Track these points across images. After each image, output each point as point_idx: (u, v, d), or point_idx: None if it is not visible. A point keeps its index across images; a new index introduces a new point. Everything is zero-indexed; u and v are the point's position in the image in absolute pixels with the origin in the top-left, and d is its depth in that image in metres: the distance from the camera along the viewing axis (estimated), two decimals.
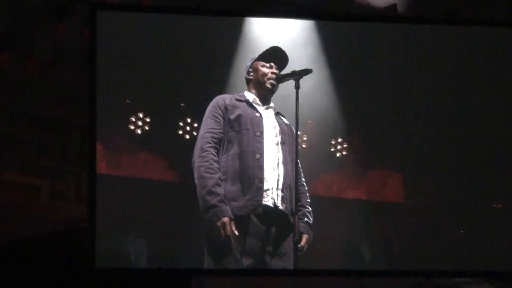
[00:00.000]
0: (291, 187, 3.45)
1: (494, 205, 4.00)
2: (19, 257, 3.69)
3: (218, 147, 3.44)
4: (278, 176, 3.44)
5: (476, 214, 3.93)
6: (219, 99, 3.54)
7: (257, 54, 3.62)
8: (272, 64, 3.60)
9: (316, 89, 3.79)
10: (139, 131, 3.85)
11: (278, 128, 3.54)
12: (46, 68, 4.10)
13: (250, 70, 3.63)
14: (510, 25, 3.89)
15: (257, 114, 3.52)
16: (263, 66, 3.60)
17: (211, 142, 3.43)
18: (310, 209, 3.54)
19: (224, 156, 3.43)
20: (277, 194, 3.41)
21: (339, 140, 4.04)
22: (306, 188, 3.59)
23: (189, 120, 3.92)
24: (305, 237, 3.43)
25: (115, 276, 3.67)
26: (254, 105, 3.56)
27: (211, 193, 3.32)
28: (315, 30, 3.87)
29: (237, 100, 3.56)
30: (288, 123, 3.62)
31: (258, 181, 3.39)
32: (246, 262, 3.33)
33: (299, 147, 3.54)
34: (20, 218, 3.92)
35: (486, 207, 3.98)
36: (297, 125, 3.45)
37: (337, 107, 3.94)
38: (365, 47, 3.91)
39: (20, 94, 4.03)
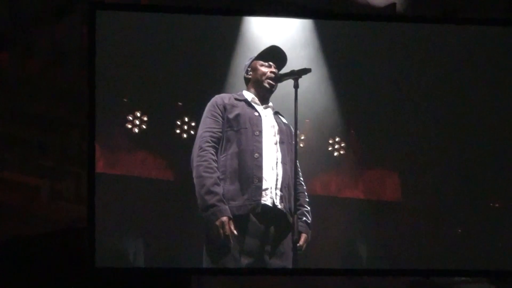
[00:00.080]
0: (289, 187, 3.45)
1: (492, 204, 4.00)
2: (18, 257, 3.69)
3: (217, 146, 3.44)
4: (277, 175, 3.44)
5: (474, 213, 3.93)
6: (218, 98, 3.54)
7: (256, 54, 3.62)
8: (271, 63, 3.60)
9: (313, 89, 3.80)
10: (136, 130, 3.86)
11: (276, 128, 3.54)
12: (45, 67, 4.09)
13: (249, 69, 3.63)
14: (509, 24, 3.89)
15: (256, 114, 3.52)
16: (262, 65, 3.60)
17: (210, 141, 3.43)
18: (309, 208, 3.54)
19: (222, 156, 3.43)
20: (276, 194, 3.41)
21: (337, 139, 4.04)
22: (305, 187, 3.59)
23: (186, 119, 3.92)
24: (303, 237, 3.43)
25: (115, 276, 3.67)
26: (253, 104, 3.56)
27: (210, 192, 3.32)
28: (314, 30, 3.88)
29: (236, 99, 3.56)
30: (286, 122, 3.62)
31: (257, 181, 3.39)
32: (245, 261, 3.33)
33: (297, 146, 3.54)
34: (19, 217, 3.92)
35: (484, 206, 3.98)
36: (296, 124, 3.45)
37: (335, 106, 3.95)
38: (363, 47, 3.91)
39: (19, 93, 4.02)
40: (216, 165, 3.39)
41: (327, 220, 3.77)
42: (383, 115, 3.98)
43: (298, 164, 3.51)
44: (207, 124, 3.47)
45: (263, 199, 3.38)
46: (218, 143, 3.45)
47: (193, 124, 3.89)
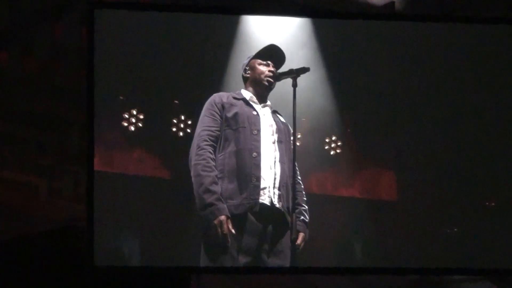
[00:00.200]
0: (287, 186, 3.44)
1: (487, 203, 4.00)
2: (17, 256, 3.69)
3: (215, 145, 3.43)
4: (275, 174, 3.43)
5: (469, 212, 3.94)
6: (216, 97, 3.53)
7: (254, 52, 3.61)
8: (269, 62, 3.59)
9: (310, 87, 3.79)
10: (132, 128, 3.86)
11: (275, 127, 3.53)
12: (44, 66, 4.10)
13: (247, 68, 3.62)
14: (508, 23, 3.88)
15: (254, 113, 3.52)
16: (260, 64, 3.59)
17: (208, 140, 3.42)
18: (307, 207, 3.53)
19: (220, 154, 3.42)
20: (274, 193, 3.41)
21: (333, 138, 4.04)
22: (302, 186, 3.59)
23: (183, 117, 3.92)
24: (301, 235, 3.42)
25: (114, 275, 3.67)
26: (251, 103, 3.55)
27: (208, 191, 3.31)
28: (312, 28, 3.87)
29: (234, 98, 3.54)
30: (284, 121, 3.61)
31: (255, 180, 3.38)
32: (243, 260, 3.32)
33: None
34: (18, 216, 3.92)
35: (479, 205, 3.99)
36: (294, 123, 3.44)
37: (332, 105, 3.94)
38: (362, 46, 3.91)
39: (18, 92, 4.03)
40: (214, 163, 3.38)
41: (323, 218, 3.76)
42: (379, 114, 3.98)
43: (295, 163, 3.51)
44: (205, 123, 3.46)
45: (261, 198, 3.37)
46: (216, 142, 3.44)
47: (189, 122, 3.89)
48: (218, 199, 3.31)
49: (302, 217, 3.49)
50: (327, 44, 3.89)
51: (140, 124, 3.86)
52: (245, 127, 3.46)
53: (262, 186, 3.38)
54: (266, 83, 3.58)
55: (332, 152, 4.04)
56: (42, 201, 4.00)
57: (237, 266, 3.35)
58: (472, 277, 3.90)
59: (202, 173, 3.35)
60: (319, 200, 3.83)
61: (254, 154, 3.42)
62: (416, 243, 3.89)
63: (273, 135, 3.51)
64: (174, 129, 3.91)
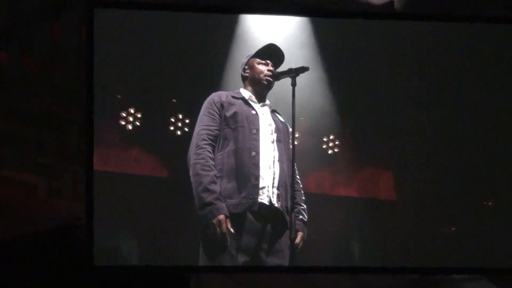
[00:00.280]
0: (286, 185, 3.44)
1: (485, 202, 4.00)
2: (16, 255, 3.70)
3: (214, 144, 3.44)
4: (274, 174, 3.43)
5: (468, 212, 3.93)
6: (215, 96, 3.53)
7: (253, 51, 3.61)
8: (268, 61, 3.59)
9: (308, 86, 3.78)
10: (130, 127, 3.86)
11: (274, 126, 3.54)
12: (43, 65, 4.09)
13: (246, 67, 3.62)
14: (507, 22, 3.88)
15: (253, 112, 3.52)
16: (259, 63, 3.59)
17: (207, 139, 3.42)
18: (305, 206, 3.54)
19: (219, 154, 3.43)
20: (273, 192, 3.41)
21: (331, 137, 4.04)
22: (301, 185, 3.59)
23: (180, 116, 3.92)
24: (300, 235, 3.43)
25: (113, 274, 3.67)
26: (250, 102, 3.55)
27: (206, 190, 3.31)
28: (311, 27, 3.87)
29: (233, 97, 3.55)
30: (283, 120, 3.61)
31: (254, 179, 3.38)
32: (241, 259, 3.33)
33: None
34: (17, 215, 3.92)
35: (477, 204, 3.98)
36: (293, 123, 3.45)
37: (330, 104, 3.94)
38: (361, 45, 3.90)
39: (17, 91, 4.02)
40: (213, 163, 3.38)
41: (321, 218, 3.76)
42: (378, 113, 3.98)
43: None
44: (204, 122, 3.46)
45: (260, 197, 3.37)
46: (215, 141, 3.44)
47: (187, 121, 3.89)
48: (217, 198, 3.31)
49: (300, 217, 3.49)
50: (326, 43, 3.89)
51: (137, 123, 3.86)
52: (244, 126, 3.46)
53: (261, 185, 3.39)
54: (265, 82, 3.58)
55: (330, 152, 4.04)
56: (41, 200, 4.00)
57: (236, 265, 3.35)
58: (471, 276, 3.89)
59: (201, 172, 3.35)
60: (317, 200, 3.82)
61: (253, 153, 3.42)
62: (415, 242, 3.89)
63: (272, 134, 3.51)
64: (171, 128, 3.91)
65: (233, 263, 3.34)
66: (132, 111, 3.86)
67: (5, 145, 4.00)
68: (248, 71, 3.62)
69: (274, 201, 3.40)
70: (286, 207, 3.42)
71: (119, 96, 3.84)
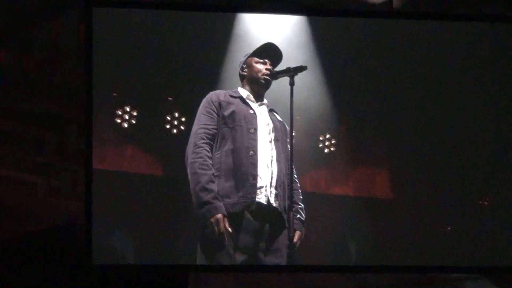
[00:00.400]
0: (284, 185, 3.44)
1: (480, 202, 4.00)
2: (15, 254, 3.70)
3: (212, 143, 3.43)
4: (272, 173, 3.43)
5: (464, 211, 3.93)
6: (213, 95, 3.53)
7: (251, 50, 3.60)
8: (266, 60, 3.58)
9: (307, 86, 3.78)
10: (126, 125, 3.86)
11: (271, 125, 3.53)
12: (42, 64, 4.10)
13: (244, 66, 3.62)
14: (506, 20, 3.88)
15: (251, 111, 3.51)
16: (257, 62, 3.59)
17: (205, 138, 3.42)
18: (303, 205, 3.54)
19: (217, 153, 3.42)
20: (271, 192, 3.40)
21: (328, 136, 4.04)
22: (299, 185, 3.59)
23: (176, 114, 3.92)
24: (297, 234, 3.42)
25: (112, 273, 3.68)
26: (248, 101, 3.54)
27: (204, 189, 3.31)
28: (309, 26, 3.87)
29: (231, 96, 3.54)
30: (281, 120, 3.61)
31: (252, 178, 3.37)
32: (239, 258, 3.32)
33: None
34: (16, 214, 3.93)
35: (473, 204, 3.98)
36: (291, 122, 3.44)
37: (326, 103, 3.94)
38: (359, 43, 3.90)
39: (16, 90, 4.03)
40: (211, 162, 3.38)
41: (317, 216, 3.76)
42: (374, 112, 3.98)
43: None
44: (202, 121, 3.46)
45: (257, 196, 3.37)
46: (213, 140, 3.44)
47: (183, 119, 3.89)
48: (215, 197, 3.31)
49: (298, 216, 3.49)
50: (324, 42, 3.89)
51: (133, 121, 3.86)
52: (241, 126, 3.45)
53: (259, 185, 3.38)
54: (263, 81, 3.57)
55: (326, 150, 4.04)
56: (40, 199, 4.00)
57: (234, 264, 3.35)
58: (468, 275, 3.89)
59: (199, 171, 3.34)
60: (314, 198, 3.82)
61: (251, 152, 3.41)
62: (411, 241, 3.89)
63: (269, 133, 3.50)
64: (167, 126, 3.91)
65: (231, 262, 3.33)
66: (128, 109, 3.86)
67: (4, 144, 4.01)
68: (246, 70, 3.61)
69: (272, 200, 3.40)
70: (284, 206, 3.42)
71: (114, 94, 3.84)
